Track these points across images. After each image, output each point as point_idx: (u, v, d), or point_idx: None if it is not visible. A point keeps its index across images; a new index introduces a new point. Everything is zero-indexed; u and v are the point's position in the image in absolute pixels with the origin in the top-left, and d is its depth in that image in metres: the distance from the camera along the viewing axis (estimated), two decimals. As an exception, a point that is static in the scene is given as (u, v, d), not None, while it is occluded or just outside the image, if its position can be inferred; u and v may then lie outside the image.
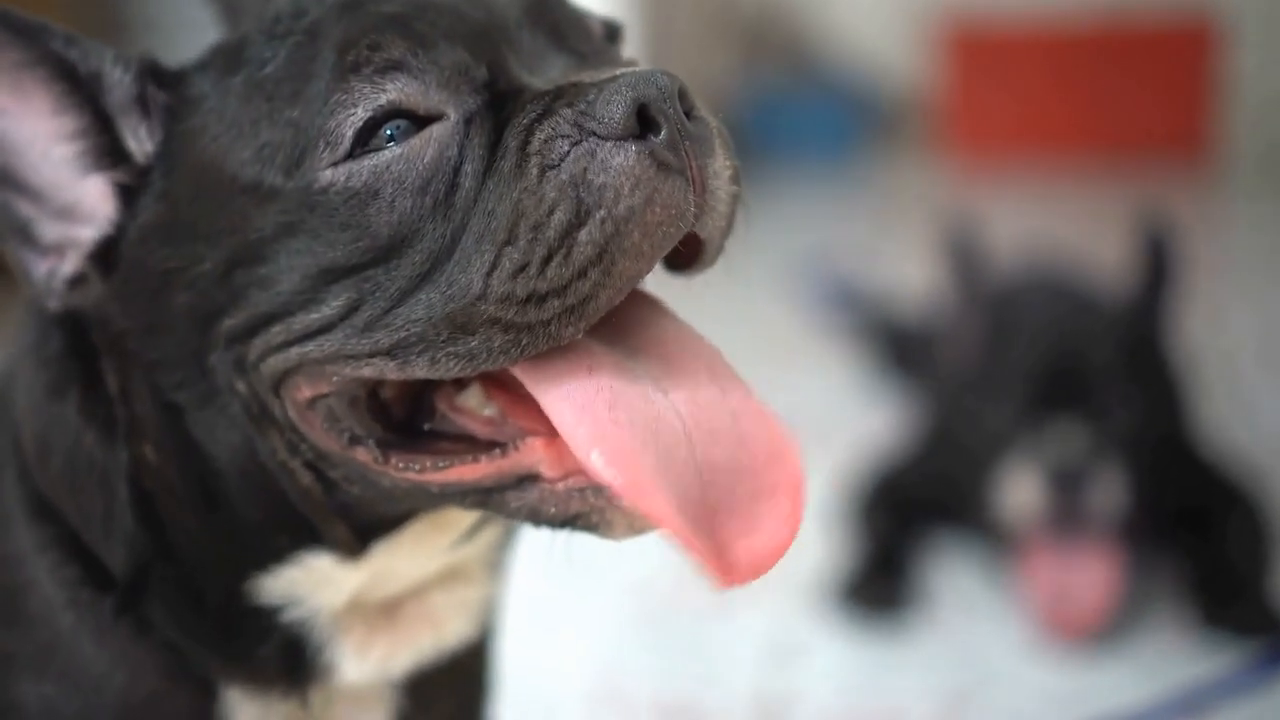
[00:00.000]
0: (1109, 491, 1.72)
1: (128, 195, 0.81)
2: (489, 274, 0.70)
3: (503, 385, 0.76)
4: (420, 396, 0.79)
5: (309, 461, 0.80)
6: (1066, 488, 1.72)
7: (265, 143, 0.75)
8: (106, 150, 0.80)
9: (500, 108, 0.74)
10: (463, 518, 0.86)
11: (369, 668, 0.90)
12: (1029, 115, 4.35)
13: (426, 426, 0.79)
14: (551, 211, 0.69)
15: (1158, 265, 1.91)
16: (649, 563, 1.90)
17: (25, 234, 0.81)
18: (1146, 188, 3.84)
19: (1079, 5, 4.41)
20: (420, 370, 0.72)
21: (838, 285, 3.00)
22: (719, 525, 0.70)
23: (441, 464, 0.77)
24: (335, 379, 0.75)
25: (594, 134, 0.69)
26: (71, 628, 0.86)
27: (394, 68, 0.73)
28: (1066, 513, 1.72)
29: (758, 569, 0.70)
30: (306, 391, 0.77)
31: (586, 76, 0.74)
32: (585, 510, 0.74)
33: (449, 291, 0.71)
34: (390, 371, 0.73)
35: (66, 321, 0.85)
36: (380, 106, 0.73)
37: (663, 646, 1.76)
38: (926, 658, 1.74)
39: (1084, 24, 4.35)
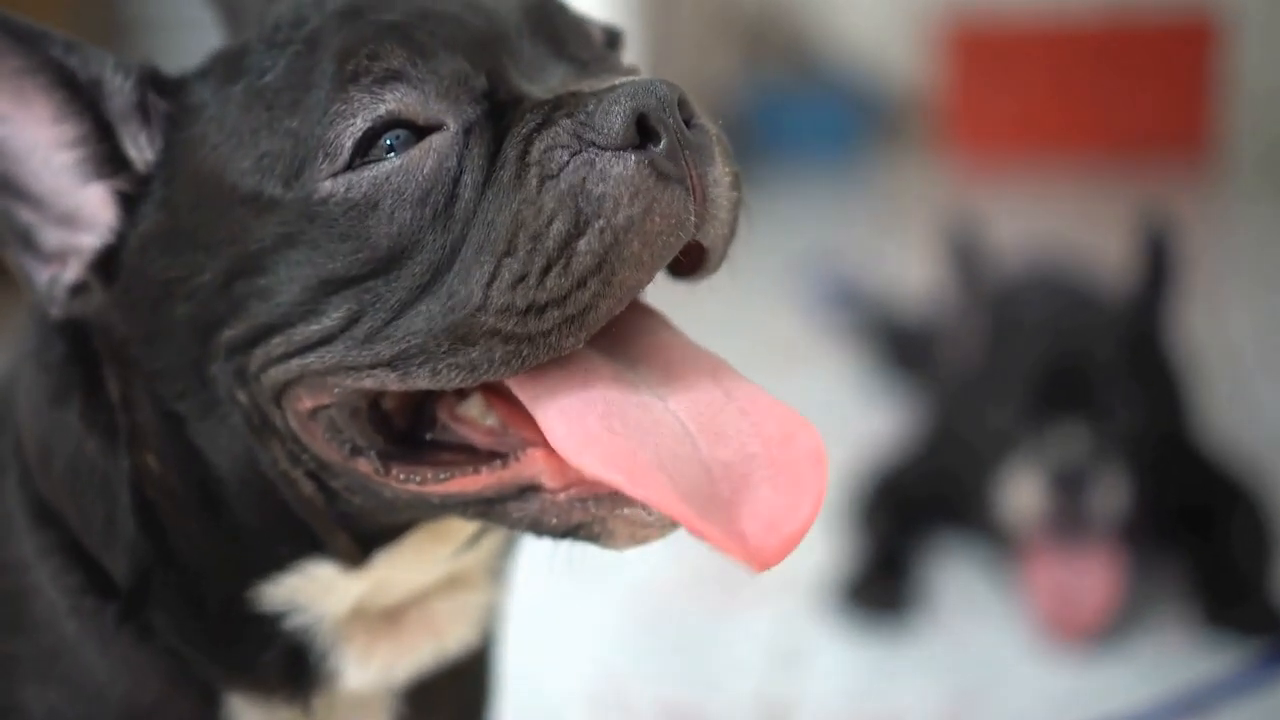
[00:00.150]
0: (1111, 493, 1.72)
1: (128, 203, 0.81)
2: (489, 285, 0.70)
3: (504, 395, 0.76)
4: (421, 407, 0.79)
5: (310, 471, 0.79)
6: (1068, 490, 1.72)
7: (265, 152, 0.75)
8: (107, 158, 0.80)
9: (500, 117, 0.74)
10: (464, 526, 0.86)
11: (371, 675, 0.90)
12: (1030, 114, 4.35)
13: (428, 437, 0.79)
14: (550, 222, 0.69)
15: (1158, 264, 1.91)
16: (651, 566, 1.90)
17: (27, 241, 0.81)
18: (1147, 187, 3.84)
19: (1080, 5, 4.40)
20: (421, 381, 0.72)
21: (839, 285, 3.00)
22: (737, 513, 0.69)
23: (443, 475, 0.76)
24: (336, 390, 0.75)
25: (593, 144, 0.69)
26: (74, 634, 0.86)
27: (393, 77, 0.73)
28: (1068, 515, 1.72)
29: (786, 545, 0.68)
30: (308, 402, 0.77)
31: (586, 85, 0.73)
32: (587, 521, 0.74)
33: (449, 303, 0.71)
34: (391, 383, 0.73)
35: (68, 328, 0.85)
36: (379, 117, 0.73)
37: (665, 650, 1.76)
38: (929, 659, 1.74)
39: (1085, 23, 4.35)
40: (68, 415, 0.84)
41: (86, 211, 0.81)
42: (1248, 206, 3.97)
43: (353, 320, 0.73)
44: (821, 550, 1.94)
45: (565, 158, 0.69)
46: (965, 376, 1.96)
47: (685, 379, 0.75)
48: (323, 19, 0.77)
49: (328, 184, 0.73)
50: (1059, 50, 4.32)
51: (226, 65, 0.80)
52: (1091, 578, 1.73)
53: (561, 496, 0.74)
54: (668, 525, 0.73)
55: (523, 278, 0.69)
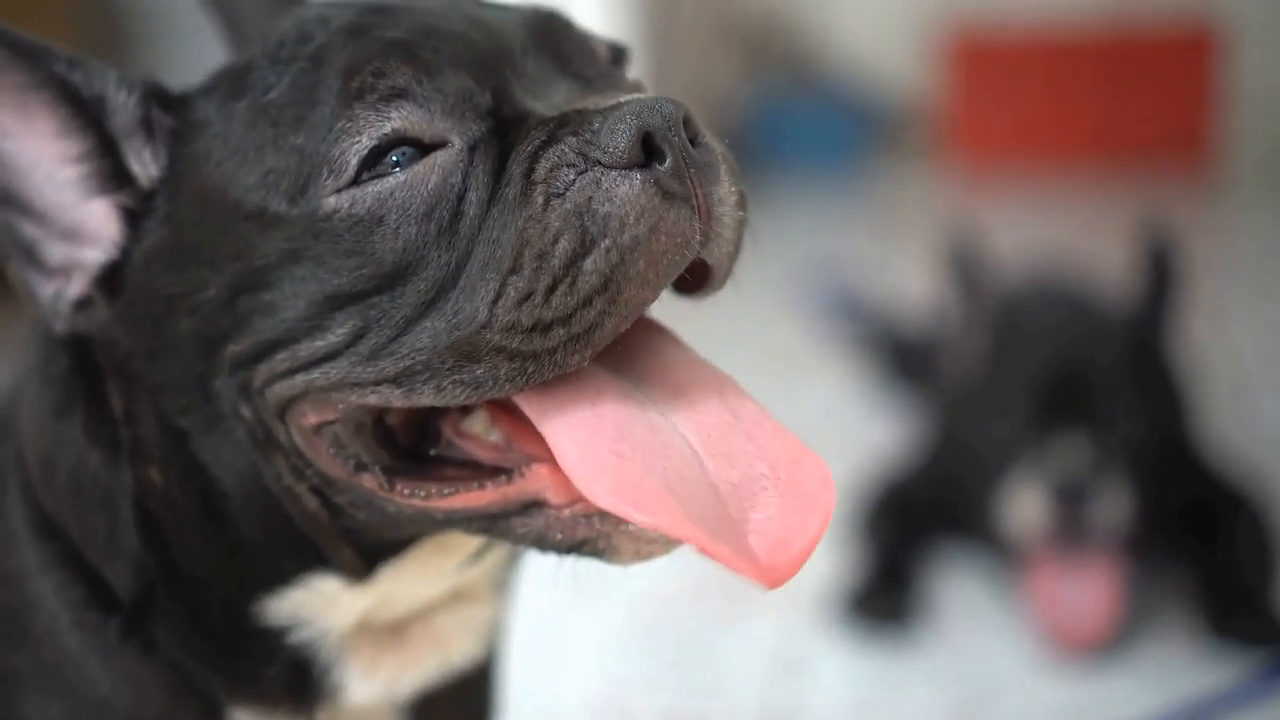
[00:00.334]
0: (1113, 505, 1.72)
1: (132, 219, 0.81)
2: (494, 302, 0.70)
3: (508, 411, 0.76)
4: (426, 422, 0.79)
5: (314, 487, 0.79)
6: (1070, 502, 1.71)
7: (270, 169, 0.75)
8: (111, 173, 0.80)
9: (504, 134, 0.74)
10: (469, 540, 0.86)
11: (376, 688, 0.89)
12: (1031, 123, 4.36)
13: (432, 452, 0.79)
14: (556, 240, 0.69)
15: (1160, 275, 1.91)
16: (653, 576, 1.89)
17: (31, 256, 0.81)
18: (1149, 195, 3.84)
19: (1081, 14, 4.41)
20: (426, 398, 0.72)
21: (841, 294, 3.00)
22: (746, 532, 0.69)
23: (447, 490, 0.77)
24: (341, 406, 0.75)
25: (598, 162, 0.69)
26: (77, 648, 0.86)
27: (398, 95, 0.73)
28: (1070, 527, 1.72)
29: (796, 562, 0.69)
30: (312, 418, 0.77)
31: (591, 103, 0.74)
32: (592, 537, 0.74)
33: (454, 320, 0.71)
34: (396, 399, 0.73)
35: (72, 342, 0.85)
36: (385, 135, 0.73)
37: (668, 660, 1.76)
38: (932, 670, 1.73)
39: (1086, 32, 4.35)
40: (70, 429, 0.84)
41: (90, 226, 0.81)
42: (1248, 215, 3.97)
43: (357, 336, 0.73)
44: (824, 561, 1.94)
45: (571, 176, 0.70)
46: (967, 387, 1.96)
47: (692, 398, 0.75)
48: (328, 36, 0.77)
49: (332, 200, 0.73)
50: (1060, 59, 4.32)
51: (231, 81, 0.80)
52: (1094, 589, 1.73)
53: (566, 512, 0.74)
54: (672, 541, 0.73)
55: (528, 296, 0.69)
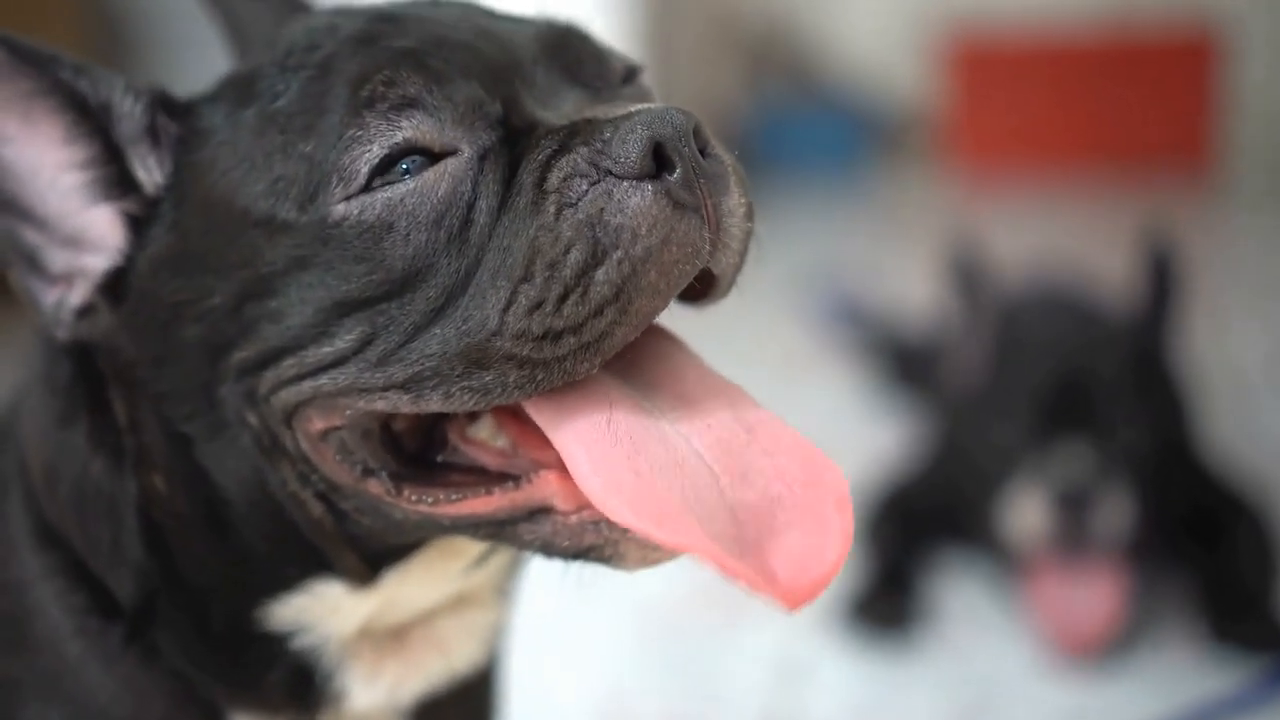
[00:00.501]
0: (1115, 513, 1.72)
1: (137, 226, 0.81)
2: (505, 310, 0.70)
3: (515, 417, 0.76)
4: (432, 428, 0.79)
5: (320, 493, 0.79)
6: (1072, 509, 1.71)
7: (279, 176, 0.75)
8: (116, 180, 0.80)
9: (514, 143, 0.74)
10: (473, 545, 0.86)
11: (378, 694, 0.89)
12: (1032, 129, 4.36)
13: (439, 458, 0.79)
14: (568, 250, 0.69)
15: (1161, 282, 1.91)
16: (657, 582, 1.90)
17: (33, 262, 0.81)
18: (1150, 200, 3.84)
19: (1082, 19, 4.41)
20: (434, 404, 0.72)
21: (843, 300, 3.00)
22: (766, 555, 0.69)
23: (454, 496, 0.77)
24: (348, 412, 0.75)
25: (610, 172, 0.69)
26: (79, 655, 0.86)
27: (409, 104, 0.73)
28: (1072, 533, 1.72)
29: (816, 587, 0.68)
30: (319, 424, 0.77)
31: (601, 112, 0.74)
32: (599, 543, 0.74)
33: (464, 327, 0.71)
34: (404, 405, 0.73)
35: (75, 349, 0.84)
36: (396, 144, 0.73)
37: (670, 666, 1.76)
38: (934, 675, 1.73)
39: (1087, 38, 4.36)
40: (74, 437, 0.84)
41: (94, 233, 0.81)
42: (1250, 220, 3.97)
43: (366, 342, 0.73)
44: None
45: (583, 186, 0.70)
46: (969, 393, 1.96)
47: (704, 409, 0.75)
48: (337, 44, 0.77)
49: (341, 207, 0.73)
50: (1061, 65, 4.33)
51: (238, 89, 0.80)
52: (1096, 595, 1.73)
53: (573, 519, 0.74)
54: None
55: (539, 304, 0.69)
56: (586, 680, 1.73)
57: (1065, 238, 3.45)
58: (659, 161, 0.69)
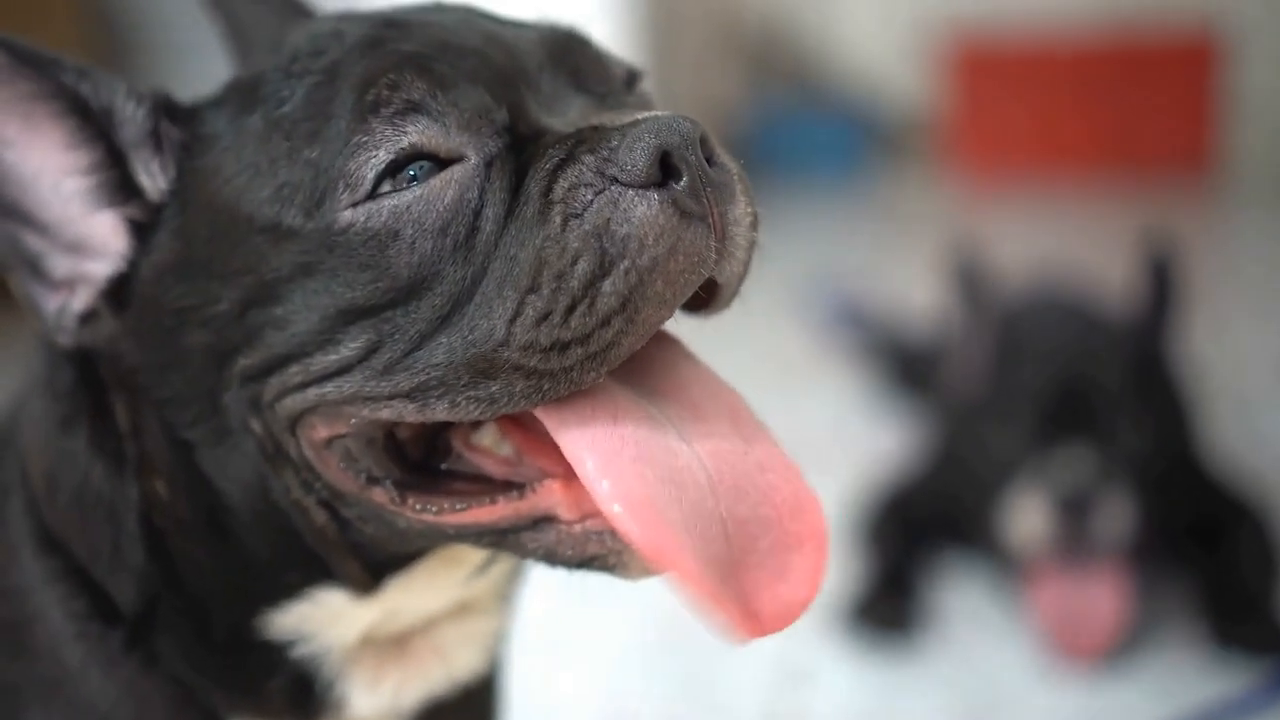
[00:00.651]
0: (1116, 518, 1.72)
1: (140, 231, 0.80)
2: (512, 320, 0.70)
3: (519, 425, 0.76)
4: (435, 436, 0.79)
5: (323, 500, 0.79)
6: (1073, 514, 1.71)
7: (284, 183, 0.75)
8: (118, 185, 0.80)
9: (520, 150, 0.74)
10: (476, 553, 0.85)
11: (380, 701, 0.89)
12: (1034, 133, 4.36)
13: (443, 466, 0.79)
14: (575, 261, 0.69)
15: (1162, 286, 1.91)
16: (658, 585, 1.89)
17: (34, 268, 0.81)
18: (1153, 204, 3.85)
19: (1084, 23, 4.41)
20: (440, 413, 0.72)
21: (844, 304, 3.00)
22: (742, 577, 0.70)
23: (458, 505, 0.76)
24: (353, 420, 0.75)
25: (616, 180, 0.69)
26: (79, 661, 0.85)
27: (414, 109, 0.73)
28: (1074, 539, 1.72)
29: (783, 620, 0.70)
30: (323, 432, 0.76)
31: (607, 119, 0.73)
32: (602, 553, 0.74)
33: (470, 336, 0.71)
34: (409, 414, 0.73)
35: (77, 355, 0.84)
36: (402, 149, 0.72)
37: (672, 671, 1.76)
38: (936, 679, 1.73)
39: (1089, 42, 4.35)
40: (76, 442, 0.84)
41: (96, 239, 0.80)
42: (1252, 224, 3.97)
43: (371, 350, 0.73)
44: (829, 569, 1.93)
45: (589, 196, 0.69)
46: (970, 398, 1.96)
47: (707, 419, 0.75)
48: (342, 49, 0.77)
49: (348, 214, 0.73)
50: (1062, 69, 4.33)
51: (242, 95, 0.80)
52: (1097, 600, 1.73)
53: (577, 528, 0.74)
54: None
55: (547, 315, 0.69)
56: (587, 685, 1.73)
57: (1067, 242, 3.45)
58: (665, 170, 0.69)
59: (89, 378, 0.84)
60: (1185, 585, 1.87)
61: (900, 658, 1.78)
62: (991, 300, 2.00)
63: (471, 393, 0.71)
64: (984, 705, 1.66)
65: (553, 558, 0.75)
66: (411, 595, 0.86)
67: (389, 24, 0.79)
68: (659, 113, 0.72)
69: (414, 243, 0.72)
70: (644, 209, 0.68)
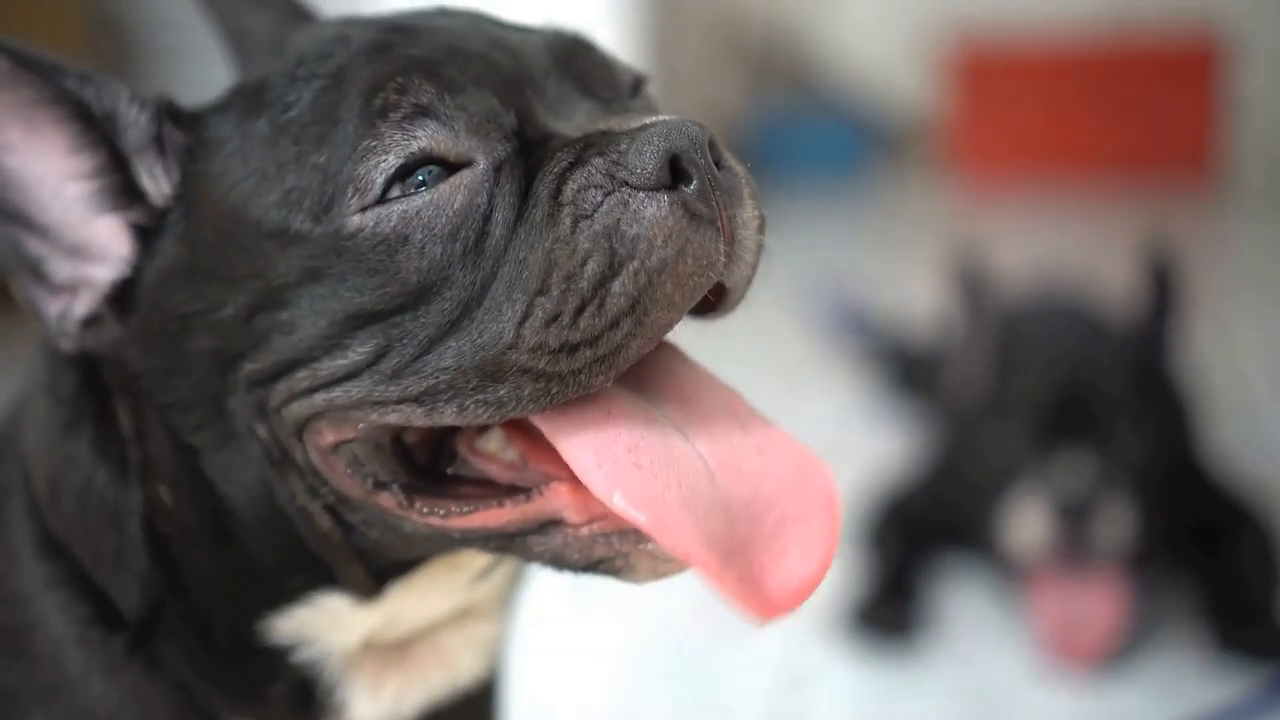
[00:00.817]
0: (1116, 524, 1.72)
1: (144, 236, 0.80)
2: (521, 323, 0.70)
3: (524, 430, 0.76)
4: (442, 440, 0.79)
5: (329, 505, 0.79)
6: (1074, 519, 1.71)
7: (292, 188, 0.75)
8: (122, 190, 0.80)
9: (529, 155, 0.74)
10: (478, 557, 0.85)
11: (381, 707, 0.89)
12: (1035, 137, 4.36)
13: (448, 471, 0.79)
14: (585, 262, 0.69)
15: (1163, 292, 1.91)
16: (659, 590, 1.89)
17: (36, 272, 0.80)
18: (1152, 209, 3.84)
19: (1085, 27, 4.42)
20: (448, 418, 0.72)
21: (846, 308, 3.00)
22: (750, 559, 0.69)
23: (465, 509, 0.76)
24: (361, 425, 0.75)
25: (626, 183, 0.69)
26: (81, 666, 0.85)
27: (423, 114, 0.73)
28: (1074, 544, 1.72)
29: (796, 597, 0.69)
30: (330, 437, 0.76)
31: (615, 124, 0.74)
32: (609, 556, 0.74)
33: (480, 340, 0.71)
34: (417, 418, 0.73)
35: (80, 360, 0.84)
36: (412, 154, 0.72)
37: (673, 673, 1.76)
38: (937, 683, 1.73)
39: (1090, 46, 4.36)
40: (79, 447, 0.84)
41: (99, 244, 0.80)
42: (1253, 228, 3.97)
43: (380, 355, 0.72)
44: (830, 573, 1.93)
45: (599, 198, 0.69)
46: (970, 403, 1.96)
47: (704, 412, 0.75)
48: (349, 54, 0.77)
49: (356, 219, 0.73)
50: (1063, 73, 4.33)
51: (247, 99, 0.79)
52: (1097, 605, 1.73)
53: (584, 531, 0.74)
54: None
55: (556, 317, 0.69)
56: (589, 689, 1.73)
57: (1068, 246, 3.45)
58: (674, 173, 0.69)
59: (92, 382, 0.84)
60: (1186, 589, 1.87)
61: (901, 661, 1.78)
62: (992, 305, 2.00)
63: (480, 396, 0.71)
64: (984, 709, 1.66)
65: (559, 561, 0.75)
66: (413, 600, 0.86)
67: (395, 29, 0.79)
68: (667, 117, 0.72)
69: (423, 247, 0.72)
70: (654, 210, 0.69)
